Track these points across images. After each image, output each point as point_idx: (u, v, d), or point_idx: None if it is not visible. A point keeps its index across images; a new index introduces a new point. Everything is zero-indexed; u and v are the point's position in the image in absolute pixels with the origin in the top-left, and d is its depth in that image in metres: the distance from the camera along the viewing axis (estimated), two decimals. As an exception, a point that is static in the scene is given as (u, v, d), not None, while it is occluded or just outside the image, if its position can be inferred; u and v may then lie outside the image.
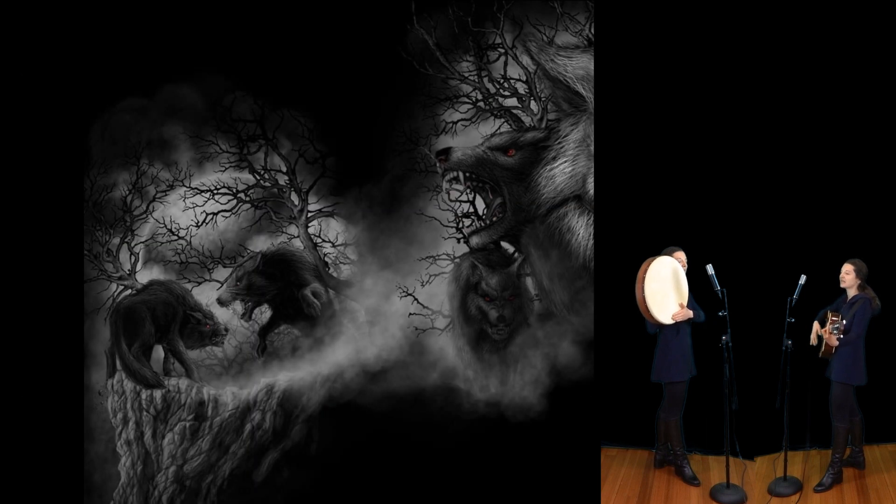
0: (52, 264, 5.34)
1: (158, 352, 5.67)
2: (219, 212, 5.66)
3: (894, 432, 5.14)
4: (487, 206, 5.19)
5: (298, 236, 5.69)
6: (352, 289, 5.65)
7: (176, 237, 5.69)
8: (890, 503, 4.49)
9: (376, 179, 5.48)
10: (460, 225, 5.37)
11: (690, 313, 4.60)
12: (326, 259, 5.72)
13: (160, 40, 5.41)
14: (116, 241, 5.69)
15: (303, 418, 5.57)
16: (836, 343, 4.42)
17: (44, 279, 5.32)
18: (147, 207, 5.70)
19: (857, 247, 4.65)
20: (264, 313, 5.89)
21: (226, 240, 5.72)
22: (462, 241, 5.34)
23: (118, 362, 5.54)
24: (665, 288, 4.54)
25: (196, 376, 5.66)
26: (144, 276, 5.72)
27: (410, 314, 5.41)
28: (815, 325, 4.56)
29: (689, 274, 4.66)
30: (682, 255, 4.69)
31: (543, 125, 5.23)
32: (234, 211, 5.69)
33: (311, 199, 5.64)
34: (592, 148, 4.80)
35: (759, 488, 4.71)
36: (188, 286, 5.69)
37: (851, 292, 4.55)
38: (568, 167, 4.91)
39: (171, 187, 5.68)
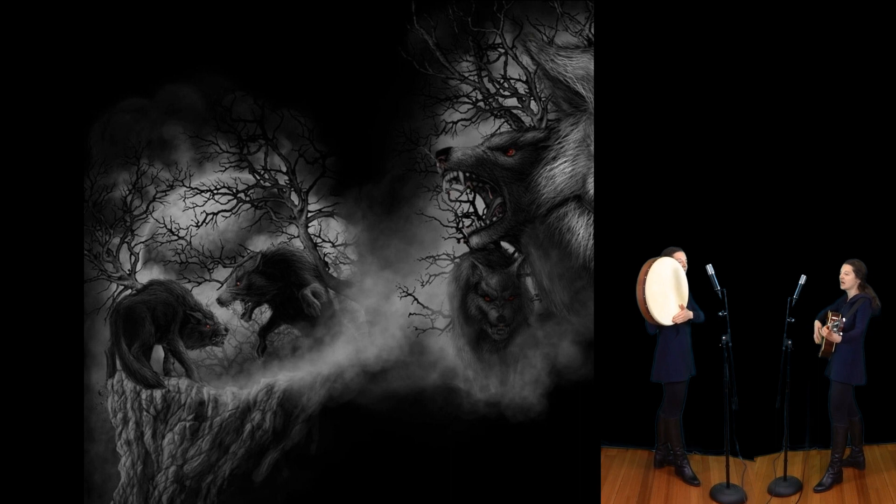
0: (52, 264, 5.34)
1: (158, 352, 5.67)
2: (219, 212, 5.66)
3: (894, 432, 5.14)
4: (487, 206, 5.19)
5: (298, 236, 5.69)
6: (352, 289, 5.65)
7: (176, 237, 5.69)
8: (890, 503, 4.49)
9: (376, 179, 5.48)
10: (460, 225, 5.37)
11: (690, 314, 4.60)
12: (326, 259, 5.72)
13: (160, 40, 5.41)
14: (116, 241, 5.69)
15: (303, 418, 5.57)
16: (839, 339, 4.41)
17: (44, 279, 5.32)
18: (147, 207, 5.70)
19: (857, 247, 4.65)
20: (264, 313, 5.89)
21: (226, 240, 5.72)
22: (462, 241, 5.34)
23: (118, 362, 5.54)
24: (665, 289, 4.54)
25: (196, 376, 5.66)
26: (144, 276, 5.72)
27: (410, 314, 5.41)
28: (817, 323, 4.56)
29: (689, 274, 4.66)
30: (682, 255, 4.69)
31: (543, 125, 5.23)
32: (234, 211, 5.69)
33: (311, 199, 5.64)
34: (592, 148, 4.80)
35: (759, 488, 4.71)
36: (188, 286, 5.69)
37: (852, 292, 4.55)
38: (568, 167, 4.91)
39: (171, 187, 5.67)
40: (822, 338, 4.50)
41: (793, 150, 5.02)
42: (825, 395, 4.61)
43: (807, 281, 4.49)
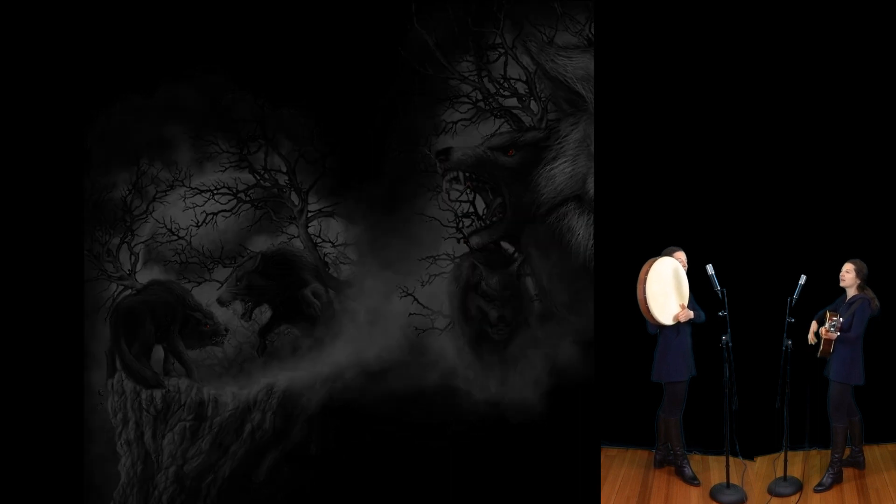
0: (52, 264, 5.34)
1: (158, 352, 5.67)
2: (219, 212, 5.67)
3: (894, 432, 5.14)
4: (487, 206, 5.19)
5: (298, 236, 5.69)
6: (352, 289, 5.65)
7: (176, 237, 5.69)
8: (890, 503, 4.49)
9: (376, 179, 5.48)
10: (460, 225, 5.37)
11: (691, 314, 4.60)
12: (326, 259, 5.73)
13: (160, 40, 5.41)
14: (116, 241, 5.70)
15: (303, 418, 5.57)
16: (834, 336, 4.41)
17: (44, 279, 5.32)
18: (147, 207, 5.70)
19: (857, 247, 4.65)
20: (264, 313, 5.89)
21: (226, 240, 5.73)
22: (462, 241, 5.34)
23: (118, 362, 5.54)
24: (666, 289, 4.54)
25: (196, 376, 5.66)
26: (144, 276, 5.72)
27: (410, 314, 5.41)
28: (814, 324, 4.56)
29: (689, 274, 4.66)
30: (682, 255, 4.69)
31: (543, 125, 5.23)
32: (234, 211, 5.69)
33: (311, 199, 5.64)
34: (592, 148, 4.80)
35: (759, 488, 4.71)
36: (188, 286, 5.70)
37: (851, 292, 4.54)
38: (568, 167, 4.91)
39: (171, 187, 5.68)
40: (818, 338, 4.50)
41: (792, 151, 5.01)
42: (825, 395, 4.61)
43: (807, 281, 4.49)
